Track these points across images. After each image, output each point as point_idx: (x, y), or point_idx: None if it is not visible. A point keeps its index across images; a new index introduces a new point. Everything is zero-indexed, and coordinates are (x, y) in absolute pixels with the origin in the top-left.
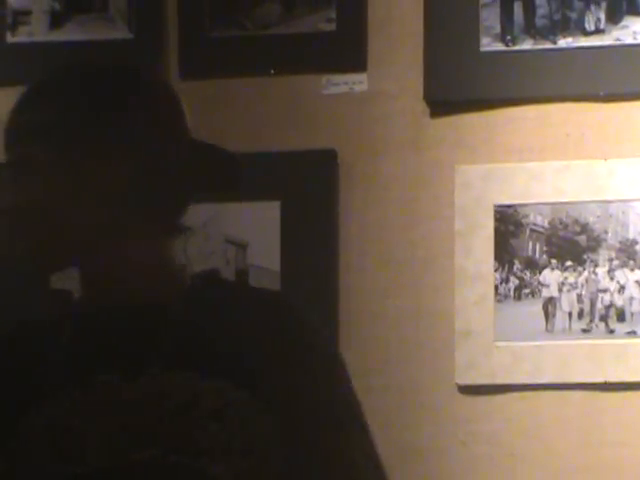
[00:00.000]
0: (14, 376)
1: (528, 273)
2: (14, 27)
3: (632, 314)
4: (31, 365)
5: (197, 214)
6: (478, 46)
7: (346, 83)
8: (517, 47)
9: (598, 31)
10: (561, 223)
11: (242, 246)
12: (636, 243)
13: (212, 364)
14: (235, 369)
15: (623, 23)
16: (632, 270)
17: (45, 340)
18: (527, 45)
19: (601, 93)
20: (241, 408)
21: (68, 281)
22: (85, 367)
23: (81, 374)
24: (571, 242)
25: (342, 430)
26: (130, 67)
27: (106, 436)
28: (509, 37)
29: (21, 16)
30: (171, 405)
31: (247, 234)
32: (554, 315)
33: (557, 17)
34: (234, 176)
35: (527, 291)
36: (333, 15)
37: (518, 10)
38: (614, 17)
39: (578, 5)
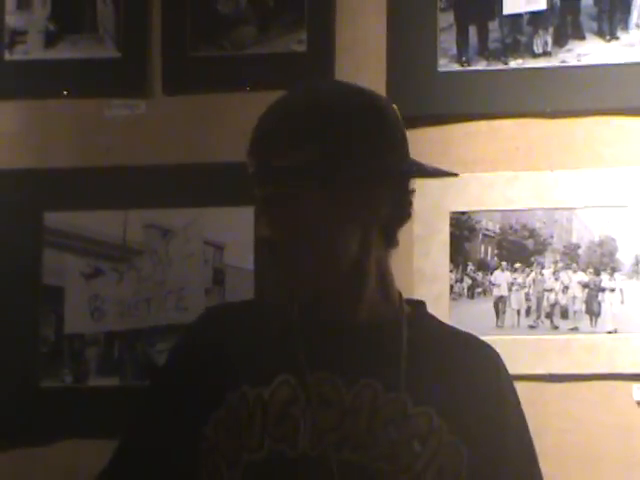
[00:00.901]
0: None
1: (480, 274)
2: (12, 46)
3: (574, 312)
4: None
5: (178, 218)
6: (436, 66)
7: None
8: (472, 67)
9: (545, 53)
10: (511, 228)
11: (219, 247)
12: (579, 247)
13: (424, 390)
14: (444, 400)
15: (568, 46)
16: (575, 272)
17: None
18: (481, 66)
19: (547, 110)
20: (443, 435)
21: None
22: (304, 362)
23: (299, 366)
24: (520, 246)
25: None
26: (373, 103)
27: (319, 429)
28: (464, 58)
29: (18, 36)
30: (383, 419)
31: (224, 237)
32: (504, 312)
33: (508, 40)
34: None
35: (479, 290)
36: (304, 37)
37: (473, 34)
38: (560, 41)
39: (527, 29)
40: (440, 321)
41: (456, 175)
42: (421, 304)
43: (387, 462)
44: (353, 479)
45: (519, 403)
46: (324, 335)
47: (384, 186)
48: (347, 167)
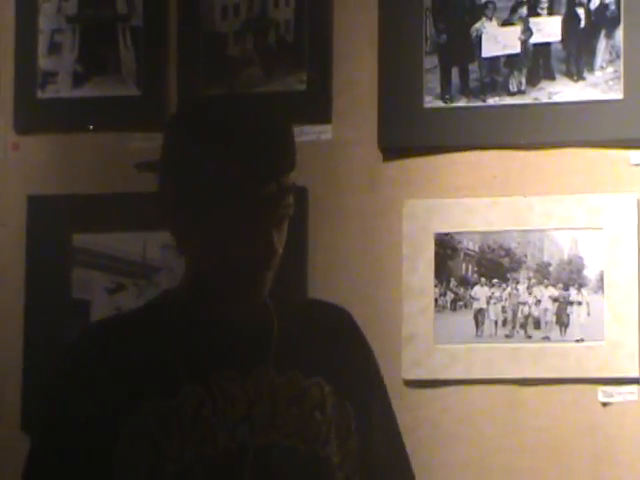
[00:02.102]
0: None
1: (462, 289)
2: (43, 85)
3: (546, 322)
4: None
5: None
6: (422, 103)
7: (314, 132)
8: (454, 104)
9: (520, 92)
10: (489, 248)
11: None
12: (549, 265)
13: (307, 363)
14: (326, 368)
15: (540, 85)
16: (546, 287)
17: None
18: (462, 103)
19: (522, 142)
20: (334, 399)
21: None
22: (205, 364)
23: (202, 370)
24: (497, 264)
25: (390, 410)
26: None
27: (232, 424)
28: (447, 96)
29: (49, 76)
30: (284, 399)
31: None
32: (483, 323)
33: (487, 80)
34: None
35: (461, 303)
36: (305, 78)
37: (455, 74)
38: (533, 80)
39: (504, 71)
40: (296, 298)
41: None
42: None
43: (297, 436)
44: (271, 459)
45: (371, 350)
46: (210, 335)
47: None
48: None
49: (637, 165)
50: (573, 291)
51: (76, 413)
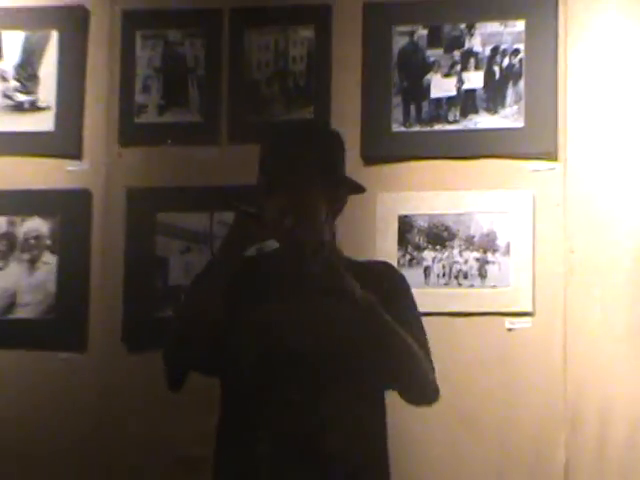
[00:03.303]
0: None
1: (416, 252)
2: (139, 114)
3: (471, 275)
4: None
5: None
6: (390, 128)
7: None
8: (412, 129)
9: (455, 121)
10: (434, 225)
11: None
12: (474, 237)
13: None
14: (376, 289)
15: (469, 117)
16: (472, 251)
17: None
18: (417, 128)
19: (456, 154)
20: (369, 298)
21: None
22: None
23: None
24: (439, 236)
25: (421, 324)
26: (337, 137)
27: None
28: (407, 123)
29: (142, 107)
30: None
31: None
32: (429, 275)
33: (434, 113)
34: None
35: (415, 262)
36: (312, 110)
37: (412, 109)
38: (464, 114)
39: (445, 107)
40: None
41: (364, 190)
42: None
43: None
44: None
45: (413, 299)
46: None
47: (339, 189)
48: (325, 178)
49: (533, 171)
50: (489, 254)
51: (203, 303)
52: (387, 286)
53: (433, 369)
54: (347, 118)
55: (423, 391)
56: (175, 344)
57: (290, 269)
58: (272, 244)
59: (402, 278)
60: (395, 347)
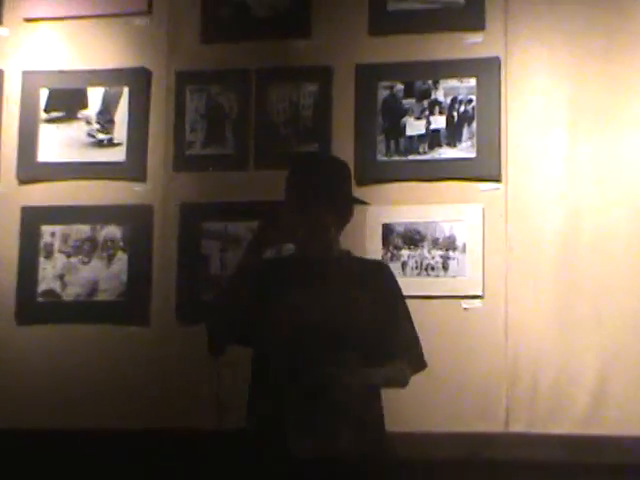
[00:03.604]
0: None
1: (395, 251)
2: (188, 148)
3: (437, 268)
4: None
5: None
6: (375, 158)
7: None
8: (392, 159)
9: (425, 152)
10: (409, 231)
11: None
12: (439, 239)
13: (356, 283)
14: (365, 284)
15: (435, 150)
16: (437, 250)
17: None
18: (396, 158)
19: (426, 177)
20: (367, 301)
21: None
22: (292, 287)
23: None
24: (413, 238)
25: (406, 305)
26: (344, 166)
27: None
28: (389, 154)
29: (191, 143)
30: (340, 301)
31: None
32: (405, 268)
33: (408, 147)
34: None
35: (395, 258)
36: (317, 146)
37: (392, 144)
38: (432, 146)
39: (417, 141)
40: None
41: (369, 203)
42: (350, 252)
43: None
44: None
45: (400, 289)
46: (312, 266)
47: (347, 207)
48: (335, 199)
49: (482, 191)
50: (450, 252)
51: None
52: (379, 278)
53: (418, 341)
54: (344, 151)
55: (418, 364)
56: (215, 320)
57: (302, 268)
58: (290, 248)
59: (390, 272)
60: (404, 318)
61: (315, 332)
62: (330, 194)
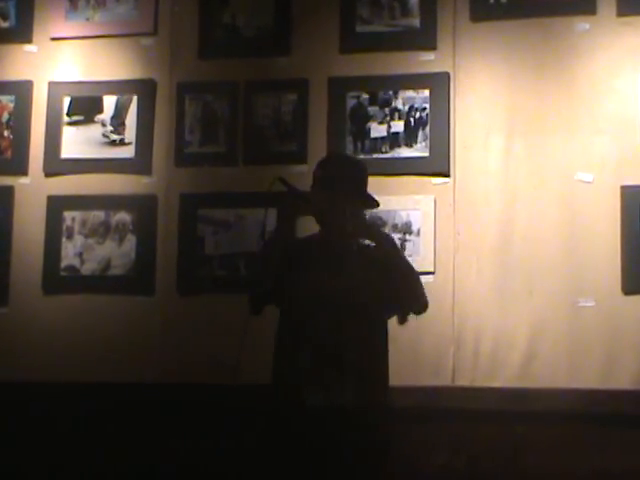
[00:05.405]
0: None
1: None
2: (186, 146)
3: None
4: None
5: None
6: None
7: (300, 169)
8: (359, 157)
9: (386, 152)
10: (373, 217)
11: None
12: (398, 225)
13: (363, 263)
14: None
15: (394, 150)
16: (397, 234)
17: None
18: (362, 156)
19: (388, 173)
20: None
21: None
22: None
23: (323, 267)
24: (378, 225)
25: (413, 269)
26: (362, 165)
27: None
28: (356, 153)
29: (189, 143)
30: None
31: None
32: None
33: (372, 147)
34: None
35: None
36: (295, 146)
37: (359, 145)
38: (392, 147)
39: (381, 143)
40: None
41: (378, 205)
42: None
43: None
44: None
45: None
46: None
47: (362, 200)
48: (354, 191)
49: (434, 184)
50: (407, 235)
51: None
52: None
53: (423, 288)
54: (318, 151)
55: (422, 300)
56: (254, 285)
57: (325, 245)
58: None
59: (392, 240)
60: (406, 266)
61: (332, 298)
62: (352, 189)
